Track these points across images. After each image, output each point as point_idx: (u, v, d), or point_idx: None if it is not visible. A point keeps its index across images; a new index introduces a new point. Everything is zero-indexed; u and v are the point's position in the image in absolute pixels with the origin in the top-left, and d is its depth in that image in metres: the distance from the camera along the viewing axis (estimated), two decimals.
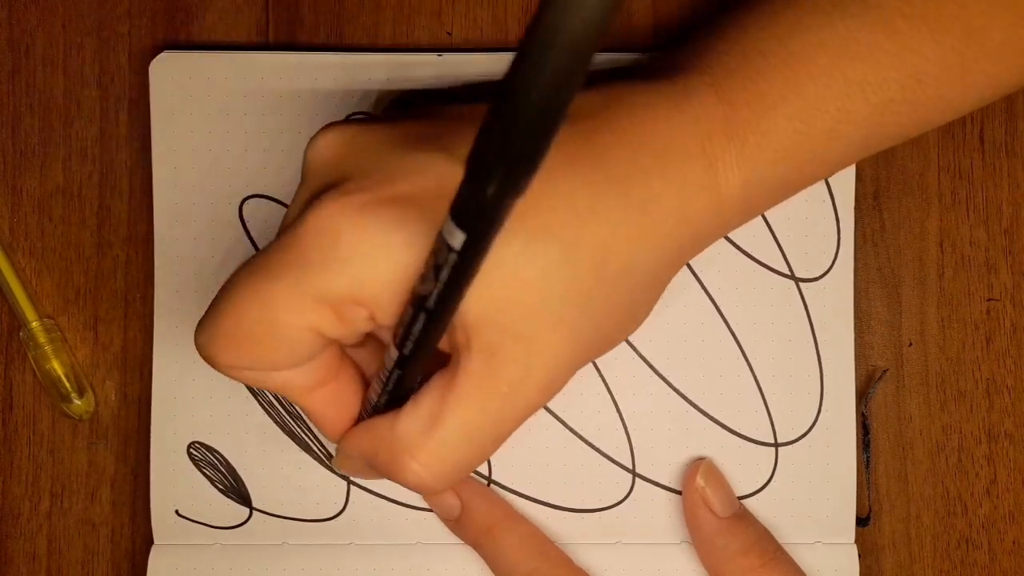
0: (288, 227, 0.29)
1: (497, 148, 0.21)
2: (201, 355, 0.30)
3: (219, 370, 0.30)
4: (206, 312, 0.30)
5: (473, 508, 0.38)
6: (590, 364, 0.39)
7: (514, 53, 0.19)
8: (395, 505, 0.40)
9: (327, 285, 0.28)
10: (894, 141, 0.33)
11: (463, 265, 0.25)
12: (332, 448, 0.39)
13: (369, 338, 0.33)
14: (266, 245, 0.30)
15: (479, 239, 0.24)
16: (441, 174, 0.28)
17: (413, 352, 0.28)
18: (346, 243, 0.28)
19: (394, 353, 0.29)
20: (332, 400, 0.32)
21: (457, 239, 0.24)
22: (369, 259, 0.28)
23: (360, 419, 0.33)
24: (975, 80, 0.32)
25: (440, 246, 0.25)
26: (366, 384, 0.33)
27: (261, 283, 0.29)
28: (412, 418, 0.30)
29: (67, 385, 0.40)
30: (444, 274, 0.25)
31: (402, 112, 0.33)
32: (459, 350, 0.29)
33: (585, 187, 0.29)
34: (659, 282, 0.32)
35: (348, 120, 0.31)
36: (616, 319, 0.31)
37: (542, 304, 0.28)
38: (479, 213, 0.23)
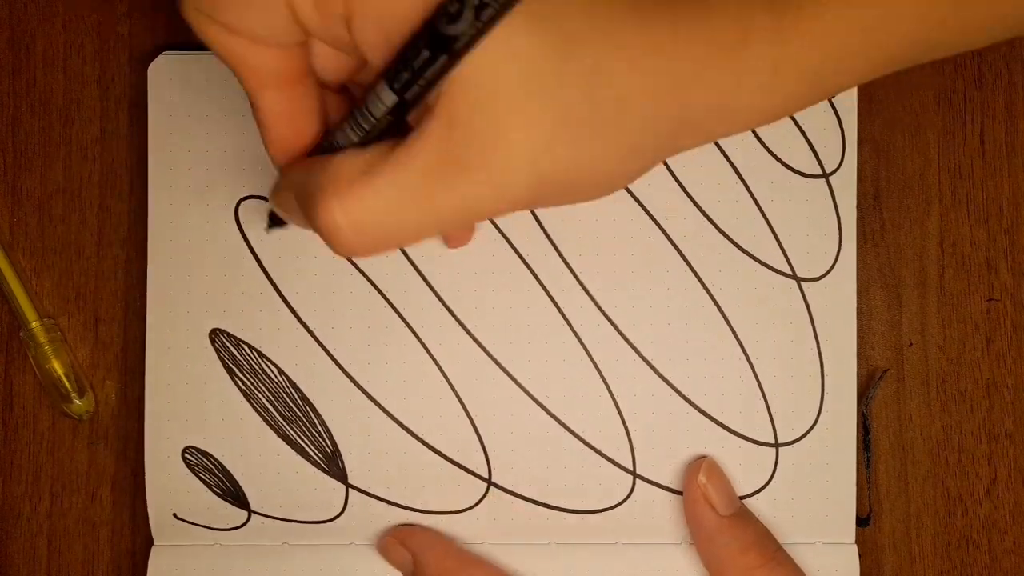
0: None
1: None
2: (182, 10, 0.28)
3: (185, 8, 0.28)
4: None
5: (425, 561, 0.38)
6: (590, 365, 0.39)
7: None
8: (394, 507, 0.39)
9: None
10: (932, 55, 0.31)
11: (503, 10, 0.23)
12: (327, 455, 0.39)
13: (343, 90, 0.31)
14: None
15: None
16: None
17: (414, 99, 0.26)
18: None
19: (388, 97, 0.26)
20: (284, 111, 0.30)
21: None
22: None
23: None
24: None
25: None
26: (324, 126, 0.31)
27: None
28: (351, 159, 0.27)
29: (67, 385, 0.40)
30: (488, 13, 0.23)
31: None
32: (422, 109, 0.27)
33: (612, 11, 0.27)
34: (649, 142, 0.29)
35: None
36: (589, 156, 0.28)
37: (525, 97, 0.26)
38: None
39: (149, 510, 0.39)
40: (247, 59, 0.29)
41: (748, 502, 0.39)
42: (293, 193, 0.29)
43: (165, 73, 0.40)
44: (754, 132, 0.39)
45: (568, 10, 0.26)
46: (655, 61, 0.27)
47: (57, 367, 0.40)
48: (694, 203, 0.40)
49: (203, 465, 0.39)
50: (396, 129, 0.27)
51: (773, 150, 0.40)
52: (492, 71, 0.25)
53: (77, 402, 0.40)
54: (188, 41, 0.41)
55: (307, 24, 0.27)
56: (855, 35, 0.29)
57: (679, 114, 0.28)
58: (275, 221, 0.34)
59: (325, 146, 0.29)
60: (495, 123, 0.26)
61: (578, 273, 0.39)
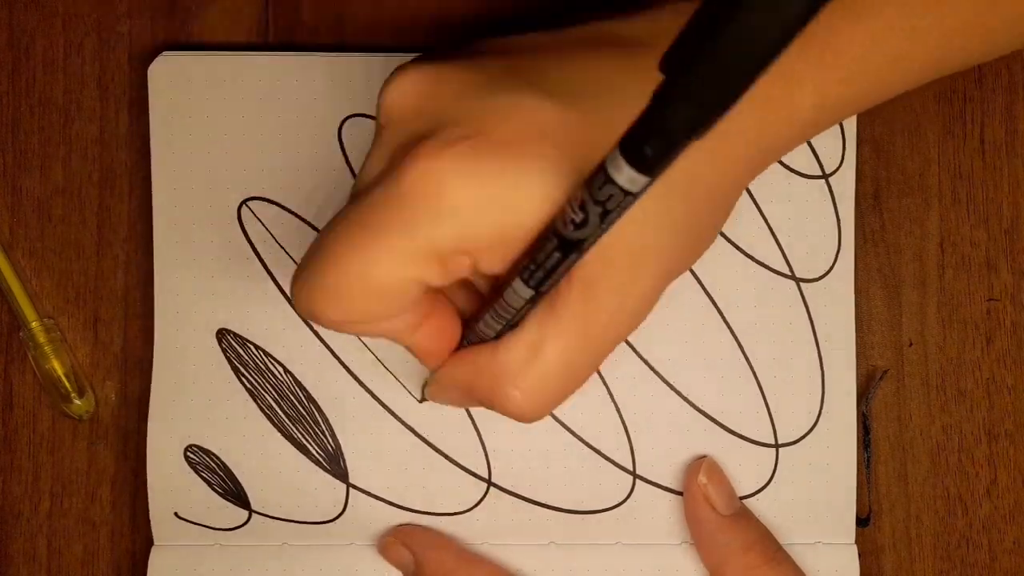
0: (383, 181, 0.29)
1: (699, 87, 0.19)
2: (301, 311, 0.30)
3: (322, 324, 0.30)
4: (303, 266, 0.30)
5: (426, 560, 0.38)
6: None
7: None
8: (395, 508, 0.40)
9: (435, 239, 0.28)
10: (956, 68, 0.33)
11: (625, 209, 0.24)
12: (333, 459, 0.39)
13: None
14: (360, 198, 0.29)
15: (653, 181, 0.23)
16: (534, 112, 0.28)
17: (548, 288, 0.29)
18: (451, 195, 0.27)
19: (526, 292, 0.29)
20: (435, 334, 0.32)
21: (635, 184, 0.23)
22: (476, 210, 0.27)
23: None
24: None
25: (608, 189, 0.23)
26: (458, 312, 0.33)
27: (365, 239, 0.28)
28: (514, 348, 0.30)
29: (67, 385, 0.40)
30: (611, 218, 0.25)
31: (471, 46, 0.32)
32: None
33: None
34: (731, 199, 0.33)
35: (420, 61, 0.31)
36: (697, 238, 0.32)
37: (638, 234, 0.29)
38: (663, 153, 0.22)
39: (150, 509, 0.39)
40: (397, 327, 0.31)
41: (748, 502, 0.39)
42: (459, 388, 0.33)
43: (165, 73, 0.40)
44: None
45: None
46: (726, 148, 0.30)
47: (57, 367, 0.40)
48: None
49: (205, 464, 0.39)
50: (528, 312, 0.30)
51: None
52: (609, 240, 0.28)
53: (77, 402, 0.40)
54: (188, 41, 0.41)
55: (437, 284, 0.29)
56: (884, 67, 0.31)
57: (747, 172, 0.32)
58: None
59: (471, 338, 0.32)
60: (621, 281, 0.29)
61: None
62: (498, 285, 0.30)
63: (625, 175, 0.23)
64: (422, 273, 0.28)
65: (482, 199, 0.27)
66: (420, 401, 0.39)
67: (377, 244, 0.28)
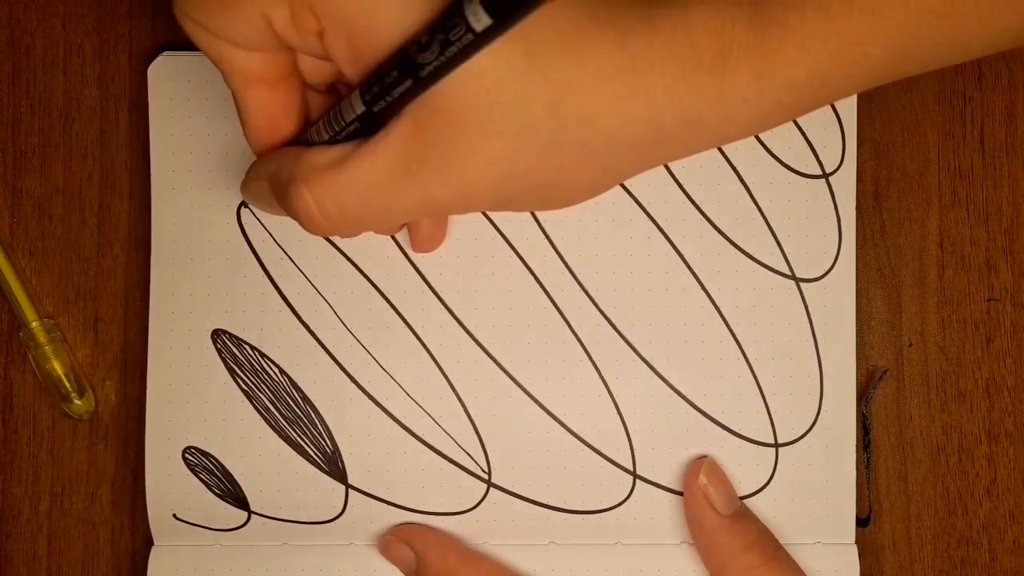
0: None
1: None
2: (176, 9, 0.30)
3: (176, 13, 0.30)
4: None
5: (428, 557, 0.38)
6: (590, 365, 0.39)
7: None
8: (394, 508, 0.40)
9: None
10: (921, 67, 0.31)
11: (472, 49, 0.24)
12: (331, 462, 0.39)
13: (330, 90, 0.33)
14: None
15: (500, 30, 0.23)
16: None
17: (381, 111, 0.28)
18: None
19: (359, 106, 0.28)
20: (266, 107, 0.32)
21: (481, 23, 0.23)
22: None
23: None
24: (1017, 5, 0.29)
25: (457, 23, 0.24)
26: (307, 124, 0.33)
27: None
28: (323, 152, 0.30)
29: (67, 385, 0.40)
30: (452, 50, 0.25)
31: None
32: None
33: (583, 26, 0.28)
34: (619, 157, 0.30)
35: None
36: (556, 168, 0.29)
37: (487, 109, 0.28)
38: (514, 4, 0.22)
39: (149, 510, 0.39)
40: (232, 60, 0.31)
41: (748, 502, 0.39)
42: (266, 181, 0.32)
43: (165, 73, 0.40)
44: None
45: (538, 28, 0.27)
46: (626, 77, 0.28)
47: (57, 367, 0.40)
48: (693, 203, 0.40)
49: (203, 465, 0.39)
50: (367, 134, 0.29)
51: (773, 150, 0.40)
52: (459, 85, 0.27)
53: (77, 402, 0.40)
54: (188, 41, 0.41)
55: (284, 37, 0.29)
56: (841, 50, 0.29)
57: (650, 130, 0.29)
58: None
59: (301, 141, 0.32)
60: (457, 132, 0.28)
61: (577, 273, 0.39)
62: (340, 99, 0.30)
63: (471, 9, 0.23)
64: (270, 5, 0.28)
65: None
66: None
67: None
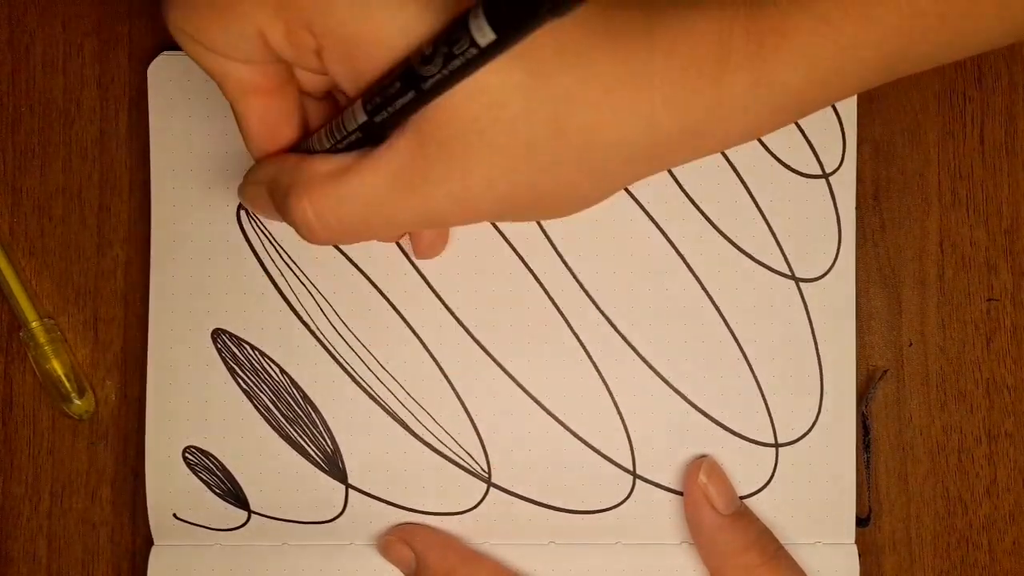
0: None
1: None
2: (161, 7, 0.30)
3: (169, 27, 0.30)
4: None
5: (428, 558, 0.38)
6: (590, 365, 0.39)
7: None
8: (394, 508, 0.40)
9: None
10: (917, 67, 0.31)
11: (475, 63, 0.24)
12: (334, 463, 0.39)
13: (327, 97, 0.33)
14: None
15: (504, 46, 0.23)
16: None
17: (383, 122, 0.28)
18: None
19: (361, 116, 0.28)
20: (264, 116, 0.31)
21: (486, 38, 0.23)
22: (358, 5, 0.27)
23: None
24: (1012, 6, 0.30)
25: (462, 37, 0.24)
26: (306, 133, 0.33)
27: None
28: (324, 161, 0.30)
29: (67, 385, 0.40)
30: (455, 64, 0.25)
31: None
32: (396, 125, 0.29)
33: (583, 40, 0.28)
34: (620, 167, 0.30)
35: None
36: (557, 181, 0.30)
37: (489, 125, 0.28)
38: (519, 21, 0.22)
39: (149, 510, 0.39)
40: (227, 73, 0.31)
41: (748, 502, 0.39)
42: (265, 186, 0.31)
43: (165, 73, 0.40)
44: None
45: (540, 44, 0.27)
46: (627, 90, 0.28)
47: (57, 367, 0.40)
48: (693, 203, 0.40)
49: (203, 465, 0.39)
50: (368, 144, 0.29)
51: (773, 150, 0.40)
52: (462, 101, 0.27)
53: (77, 402, 0.40)
54: None
55: (279, 53, 0.29)
56: (837, 54, 0.29)
57: (650, 139, 0.29)
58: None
59: (302, 148, 0.32)
60: (460, 147, 0.28)
61: (577, 273, 0.39)
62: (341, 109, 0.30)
63: (477, 24, 0.23)
64: (264, 22, 0.28)
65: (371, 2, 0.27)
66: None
67: None
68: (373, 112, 0.28)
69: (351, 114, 0.29)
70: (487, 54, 0.24)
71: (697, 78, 0.28)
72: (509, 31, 0.23)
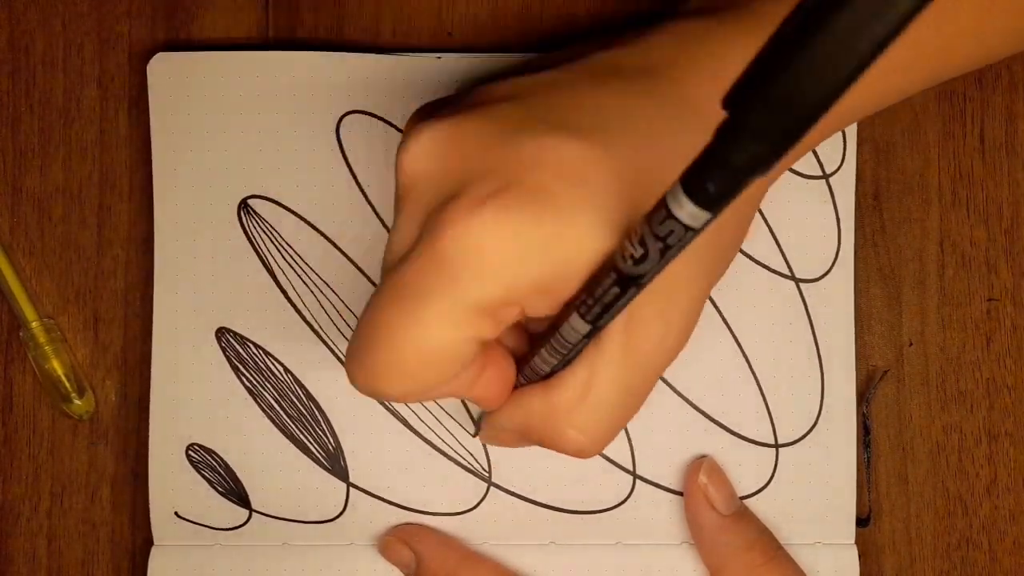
0: (421, 248, 0.28)
1: (765, 125, 0.19)
2: (361, 389, 0.30)
3: (385, 399, 0.30)
4: (355, 345, 0.30)
5: (428, 558, 0.38)
6: None
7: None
8: (395, 507, 0.40)
9: (482, 298, 0.28)
10: (955, 74, 0.33)
11: (688, 242, 0.24)
12: (338, 450, 0.39)
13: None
14: (398, 269, 0.29)
15: (716, 217, 0.22)
16: (560, 153, 0.28)
17: (606, 323, 0.28)
18: (492, 252, 0.27)
19: (583, 327, 0.28)
20: (493, 382, 0.32)
21: (698, 220, 0.22)
22: (520, 263, 0.27)
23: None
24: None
25: (673, 228, 0.23)
26: (510, 353, 0.33)
27: (414, 310, 0.28)
28: (566, 388, 0.30)
29: (67, 385, 0.40)
30: (672, 253, 0.24)
31: (472, 95, 0.31)
32: None
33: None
34: (750, 212, 0.33)
35: (433, 118, 0.30)
36: (723, 253, 0.32)
37: (656, 294, 0.28)
38: (727, 190, 0.21)
39: (151, 507, 0.39)
40: (458, 387, 0.31)
41: (748, 502, 0.39)
42: (514, 431, 0.33)
43: (165, 73, 0.40)
44: None
45: None
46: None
47: (57, 367, 0.40)
48: None
49: (206, 463, 0.39)
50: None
51: None
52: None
53: (77, 402, 0.40)
54: (188, 41, 0.41)
55: (491, 337, 0.29)
56: (884, 77, 0.30)
57: (762, 188, 0.33)
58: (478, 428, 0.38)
59: (527, 374, 0.32)
60: (662, 295, 0.29)
61: None
62: (552, 323, 0.30)
63: (687, 211, 0.22)
64: (475, 331, 0.28)
65: (524, 251, 0.27)
66: (474, 436, 0.39)
67: (426, 313, 0.28)
68: (596, 320, 0.28)
69: (570, 328, 0.29)
70: (699, 231, 0.23)
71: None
72: (721, 206, 0.22)
